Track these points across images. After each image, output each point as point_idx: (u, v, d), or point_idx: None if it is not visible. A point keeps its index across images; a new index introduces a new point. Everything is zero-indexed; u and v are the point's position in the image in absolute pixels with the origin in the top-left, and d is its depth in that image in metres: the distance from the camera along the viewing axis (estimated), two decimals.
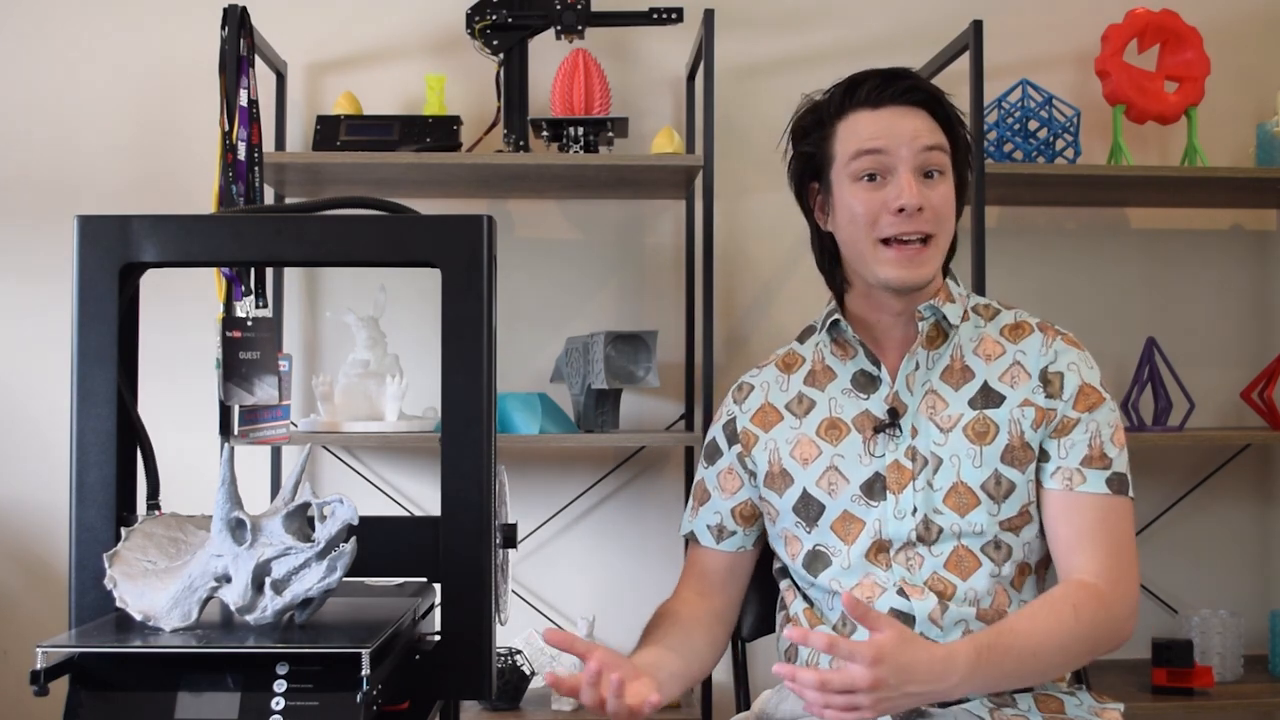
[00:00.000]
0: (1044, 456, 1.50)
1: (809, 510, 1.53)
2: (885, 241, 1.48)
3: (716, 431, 1.66)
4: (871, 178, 1.48)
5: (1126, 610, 1.46)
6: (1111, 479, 1.47)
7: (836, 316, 1.56)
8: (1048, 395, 1.50)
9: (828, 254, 1.59)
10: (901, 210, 1.46)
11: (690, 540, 1.67)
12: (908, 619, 1.45)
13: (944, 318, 1.53)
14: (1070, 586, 1.45)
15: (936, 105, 1.51)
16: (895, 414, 1.52)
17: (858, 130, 1.49)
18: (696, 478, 1.68)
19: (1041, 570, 1.53)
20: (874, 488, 1.50)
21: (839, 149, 1.51)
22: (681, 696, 2.38)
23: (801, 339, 1.66)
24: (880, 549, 1.49)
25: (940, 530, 1.47)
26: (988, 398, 1.51)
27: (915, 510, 1.48)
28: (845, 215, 1.51)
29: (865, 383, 1.55)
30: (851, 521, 1.51)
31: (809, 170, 1.57)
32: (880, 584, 1.48)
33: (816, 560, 1.53)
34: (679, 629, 1.57)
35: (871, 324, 1.57)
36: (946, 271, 1.58)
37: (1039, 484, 1.50)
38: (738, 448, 1.62)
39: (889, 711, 1.30)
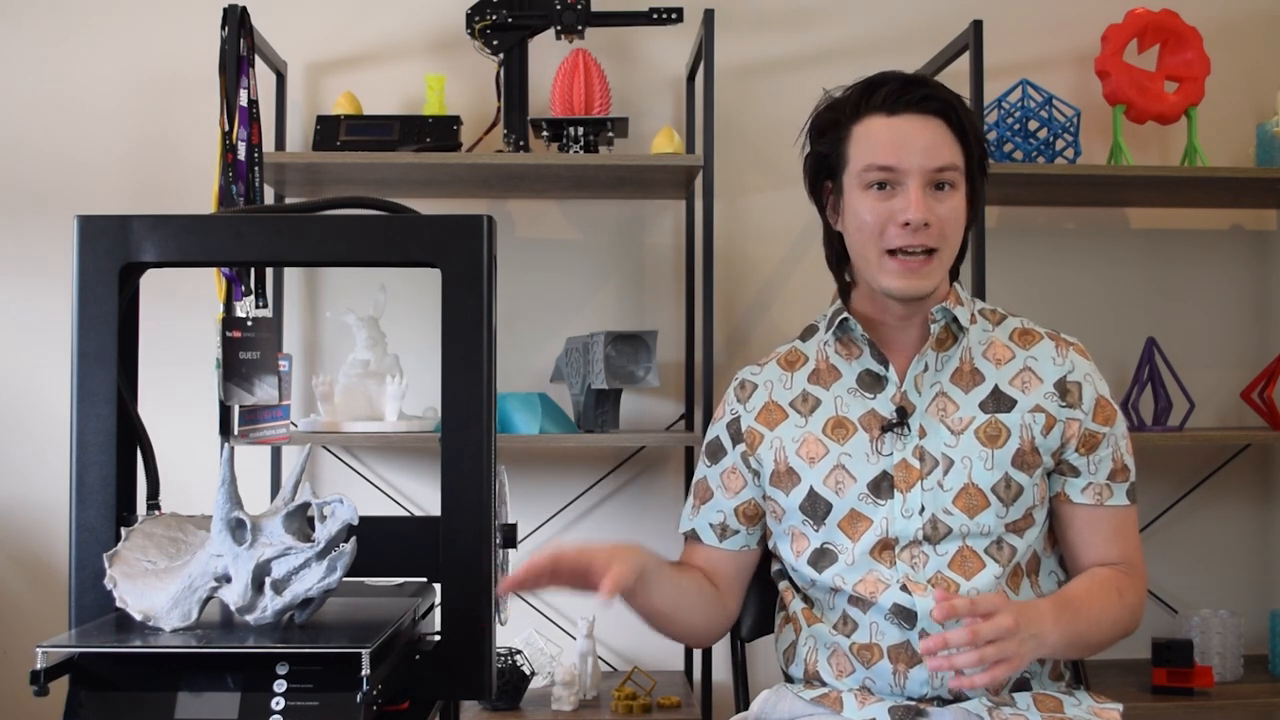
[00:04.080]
0: (1072, 471, 1.54)
1: (816, 509, 1.54)
2: (890, 252, 1.49)
3: (719, 429, 1.66)
4: (881, 186, 1.49)
5: (1141, 603, 1.56)
6: (1130, 490, 1.56)
7: (845, 315, 1.56)
8: (1065, 404, 1.53)
9: (836, 252, 1.60)
10: (908, 224, 1.47)
11: (690, 538, 1.67)
12: (910, 614, 1.45)
13: (955, 320, 1.54)
14: (1109, 572, 1.53)
15: (953, 115, 1.50)
16: (904, 413, 1.52)
17: (872, 137, 1.49)
18: (697, 475, 1.68)
19: (1033, 574, 1.54)
20: (881, 486, 1.51)
21: (853, 153, 1.51)
22: (682, 697, 2.38)
23: (804, 337, 1.67)
24: (885, 546, 1.50)
25: (948, 530, 1.48)
26: (999, 401, 1.52)
27: (923, 509, 1.49)
28: (854, 221, 1.52)
29: (871, 382, 1.56)
30: (859, 519, 1.51)
31: (823, 169, 1.57)
32: (884, 580, 1.48)
33: (823, 557, 1.53)
34: (695, 582, 1.62)
35: (877, 324, 1.58)
36: (955, 276, 1.60)
37: (1064, 497, 1.55)
38: (742, 447, 1.62)
39: (1026, 659, 1.34)
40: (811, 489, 1.54)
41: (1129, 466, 1.56)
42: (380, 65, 2.65)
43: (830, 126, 1.55)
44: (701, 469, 1.67)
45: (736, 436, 1.63)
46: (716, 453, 1.65)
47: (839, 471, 1.53)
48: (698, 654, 2.46)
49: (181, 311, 2.54)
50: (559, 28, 2.42)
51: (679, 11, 2.40)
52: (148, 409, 1.28)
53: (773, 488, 1.58)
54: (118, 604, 1.12)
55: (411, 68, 2.64)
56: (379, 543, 1.26)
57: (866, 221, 1.49)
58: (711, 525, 1.64)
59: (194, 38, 2.60)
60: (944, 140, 1.49)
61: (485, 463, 1.19)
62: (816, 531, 1.54)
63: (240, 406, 1.83)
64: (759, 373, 1.66)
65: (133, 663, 1.07)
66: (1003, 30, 2.63)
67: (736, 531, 1.63)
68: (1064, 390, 1.53)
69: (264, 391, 1.67)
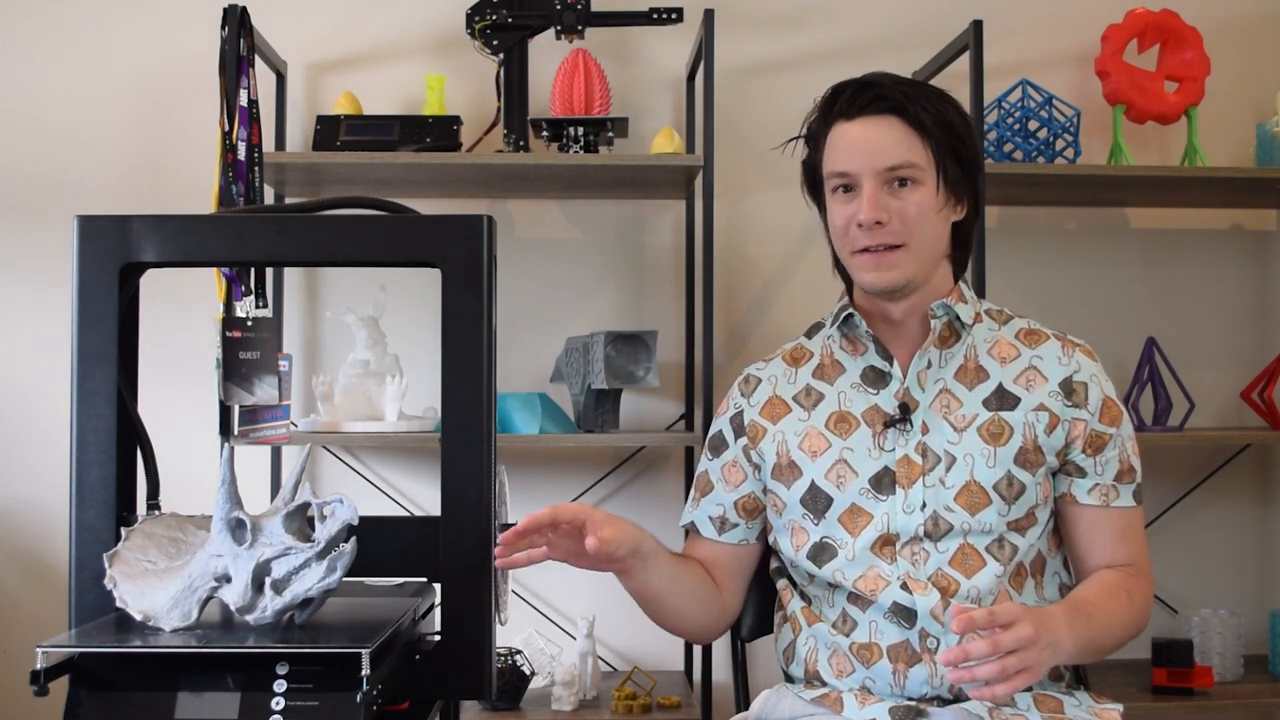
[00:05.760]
0: (1078, 472, 1.55)
1: (817, 502, 1.54)
2: (858, 252, 1.53)
3: (723, 424, 1.67)
4: (847, 189, 1.53)
5: (1149, 604, 1.57)
6: (1136, 491, 1.57)
7: (850, 311, 1.58)
8: (1071, 404, 1.53)
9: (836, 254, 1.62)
10: (862, 225, 1.50)
11: (690, 531, 1.68)
12: (910, 613, 1.45)
13: (956, 317, 1.55)
14: (1117, 574, 1.54)
15: (908, 112, 1.51)
16: (906, 409, 1.53)
17: (834, 144, 1.54)
18: (699, 469, 1.69)
19: (1038, 574, 1.54)
20: (882, 482, 1.52)
21: (824, 160, 1.56)
22: (682, 697, 2.38)
23: (809, 334, 1.68)
24: (886, 542, 1.50)
25: (949, 527, 1.49)
26: (1003, 399, 1.53)
27: (924, 506, 1.49)
28: (830, 225, 1.58)
29: (875, 378, 1.57)
30: (859, 514, 1.52)
31: (814, 176, 1.61)
32: (884, 577, 1.49)
33: (823, 552, 1.54)
34: (694, 572, 1.62)
35: (878, 321, 1.59)
36: (959, 275, 1.61)
37: (1071, 497, 1.55)
38: (744, 441, 1.63)
39: (1044, 667, 1.33)
40: (813, 483, 1.55)
41: (1135, 468, 1.57)
42: (380, 65, 2.65)
43: (811, 137, 1.60)
44: (703, 462, 1.68)
45: (739, 430, 1.64)
46: (718, 446, 1.66)
47: (840, 466, 1.54)
48: (698, 654, 2.46)
49: (181, 311, 2.54)
50: (559, 28, 2.42)
51: (679, 11, 2.40)
52: (148, 409, 1.28)
53: (774, 481, 1.59)
54: (118, 604, 1.12)
55: (411, 68, 2.64)
56: (379, 543, 1.26)
57: (836, 225, 1.55)
58: (711, 518, 1.64)
59: (194, 38, 2.60)
60: (898, 139, 1.50)
61: (485, 463, 1.20)
62: (816, 525, 1.54)
63: (240, 406, 1.82)
64: (764, 368, 1.67)
65: (133, 663, 1.07)
66: (1003, 30, 2.63)
67: (735, 525, 1.64)
68: (1069, 390, 1.54)
69: (264, 391, 1.67)
